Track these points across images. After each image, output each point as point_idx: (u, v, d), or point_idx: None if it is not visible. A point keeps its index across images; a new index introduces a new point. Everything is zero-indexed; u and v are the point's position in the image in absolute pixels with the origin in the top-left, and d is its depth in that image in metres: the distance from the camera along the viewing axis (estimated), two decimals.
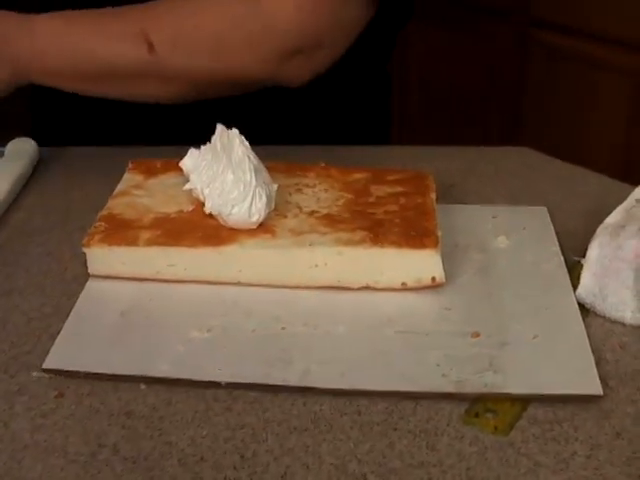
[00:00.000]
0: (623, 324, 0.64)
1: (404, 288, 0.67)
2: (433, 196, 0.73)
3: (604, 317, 0.65)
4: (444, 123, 1.91)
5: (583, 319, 0.64)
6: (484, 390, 0.58)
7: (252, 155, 0.69)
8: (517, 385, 0.58)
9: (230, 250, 0.67)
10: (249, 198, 0.67)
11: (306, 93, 0.85)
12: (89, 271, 0.69)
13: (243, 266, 0.67)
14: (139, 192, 0.73)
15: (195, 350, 0.61)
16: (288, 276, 0.67)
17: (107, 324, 0.64)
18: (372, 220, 0.69)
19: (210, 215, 0.69)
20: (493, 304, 0.65)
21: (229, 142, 0.69)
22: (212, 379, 0.59)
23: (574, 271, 0.68)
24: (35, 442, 0.55)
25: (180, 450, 0.54)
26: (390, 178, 0.75)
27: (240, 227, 0.68)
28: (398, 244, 0.66)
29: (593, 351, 0.61)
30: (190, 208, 0.71)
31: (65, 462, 0.54)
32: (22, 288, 0.69)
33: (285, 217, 0.70)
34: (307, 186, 0.74)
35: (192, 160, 0.71)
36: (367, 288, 0.67)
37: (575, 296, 0.66)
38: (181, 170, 0.73)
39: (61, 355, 0.61)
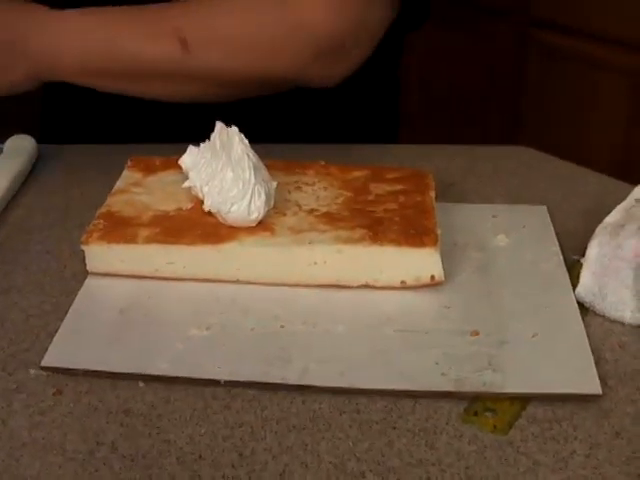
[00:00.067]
0: (622, 323, 0.64)
1: (403, 286, 0.67)
2: (432, 194, 0.73)
3: (603, 316, 0.64)
4: (444, 123, 1.91)
5: (582, 318, 0.64)
6: (483, 389, 0.58)
7: (251, 153, 0.69)
8: (516, 384, 0.58)
9: (229, 248, 0.67)
10: (248, 196, 0.67)
11: (319, 93, 0.85)
12: (88, 269, 0.69)
13: (242, 264, 0.67)
14: (138, 190, 0.73)
15: (194, 348, 0.61)
16: (287, 274, 0.67)
17: (106, 322, 0.64)
18: (371, 218, 0.69)
19: (209, 213, 0.69)
20: (492, 303, 0.65)
21: (228, 140, 0.69)
22: (211, 377, 0.59)
23: (573, 270, 0.68)
24: (33, 440, 0.55)
25: (178, 448, 0.54)
26: (389, 176, 0.75)
27: (239, 225, 0.68)
28: (397, 242, 0.66)
29: (592, 350, 0.61)
30: (189, 206, 0.71)
31: (63, 460, 0.54)
32: (21, 286, 0.69)
33: (284, 215, 0.69)
34: (306, 184, 0.74)
35: (191, 158, 0.71)
36: (366, 286, 0.67)
37: (574, 295, 0.66)
38: (180, 168, 0.72)
39: (59, 353, 0.61)
